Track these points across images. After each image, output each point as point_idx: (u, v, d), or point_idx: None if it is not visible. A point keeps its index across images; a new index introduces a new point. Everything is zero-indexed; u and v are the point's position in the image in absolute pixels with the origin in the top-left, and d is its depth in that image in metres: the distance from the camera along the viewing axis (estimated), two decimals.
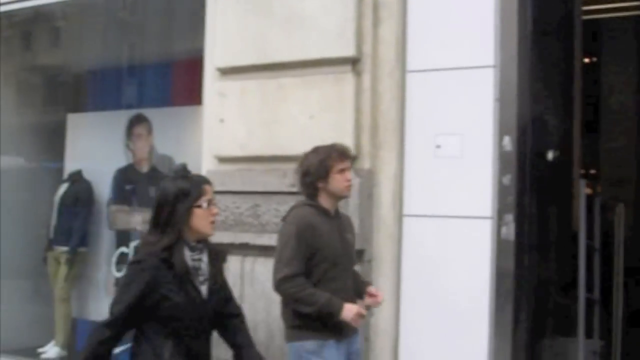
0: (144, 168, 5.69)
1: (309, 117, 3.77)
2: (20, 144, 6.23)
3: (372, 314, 3.59)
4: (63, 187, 5.82)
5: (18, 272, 6.05)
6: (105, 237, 5.83)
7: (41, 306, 6.01)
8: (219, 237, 3.83)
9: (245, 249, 3.86)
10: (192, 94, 5.40)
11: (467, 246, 3.50)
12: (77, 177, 5.81)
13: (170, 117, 5.51)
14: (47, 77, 6.46)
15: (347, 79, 3.71)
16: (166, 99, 5.81)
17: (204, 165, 4.16)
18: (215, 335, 2.94)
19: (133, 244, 5.10)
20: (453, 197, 3.56)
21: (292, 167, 3.75)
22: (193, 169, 5.12)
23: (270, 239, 3.73)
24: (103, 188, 5.85)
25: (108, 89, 6.09)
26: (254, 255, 3.84)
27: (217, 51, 4.12)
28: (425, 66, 3.67)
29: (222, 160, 4.04)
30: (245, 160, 3.97)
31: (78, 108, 6.27)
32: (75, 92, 6.36)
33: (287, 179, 3.76)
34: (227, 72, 4.07)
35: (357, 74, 3.71)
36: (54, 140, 6.24)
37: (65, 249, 5.64)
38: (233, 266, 3.85)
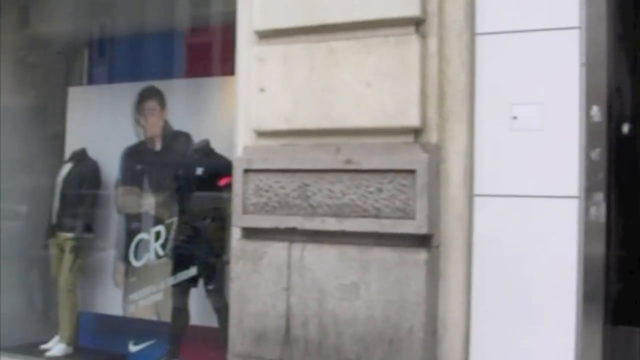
0: (157, 146, 5.35)
1: (366, 85, 3.47)
2: (18, 121, 5.85)
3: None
4: (66, 168, 5.50)
5: (17, 260, 5.70)
6: (113, 222, 5.50)
7: (42, 297, 5.68)
8: (260, 222, 3.59)
9: (292, 234, 3.57)
10: (212, 63, 5.12)
11: (549, 229, 3.24)
12: (81, 157, 5.51)
13: (188, 89, 5.19)
14: (45, 47, 6.06)
15: (411, 41, 3.42)
16: (180, 70, 5.48)
17: (240, 141, 3.85)
18: None
19: (154, 229, 4.77)
20: (532, 174, 3.29)
21: (346, 141, 3.49)
22: (220, 145, 4.89)
23: (323, 223, 3.46)
24: (110, 168, 5.55)
25: (114, 59, 5.73)
26: (302, 241, 3.56)
27: (255, 12, 3.80)
28: (498, 28, 3.39)
29: (263, 134, 3.73)
30: (290, 134, 3.66)
31: (80, 81, 5.89)
32: (76, 63, 5.97)
33: (340, 154, 3.48)
34: (268, 35, 3.76)
35: (422, 36, 3.41)
36: (53, 117, 5.88)
37: (70, 235, 5.35)
38: (278, 254, 3.57)
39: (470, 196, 3.39)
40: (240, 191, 3.67)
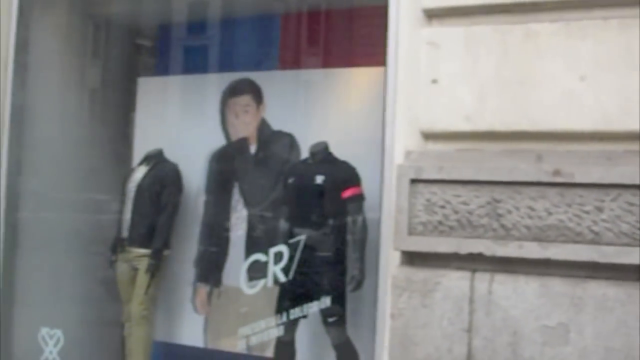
0: (252, 148, 4.86)
1: (578, 79, 3.01)
2: (73, 117, 5.34)
3: None
4: (140, 172, 5.01)
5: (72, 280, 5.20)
6: (192, 236, 5.00)
7: (104, 328, 5.17)
8: (432, 245, 3.10)
9: (475, 261, 3.10)
10: (325, 52, 4.66)
11: None
12: (158, 159, 5.00)
13: (293, 82, 4.71)
14: (111, 29, 5.56)
15: (637, 25, 2.93)
16: (281, 59, 4.99)
17: (399, 144, 3.38)
18: None
19: (275, 249, 4.24)
20: None
21: (549, 147, 3.01)
22: (338, 149, 4.39)
23: (520, 249, 2.98)
24: (189, 173, 5.02)
25: (196, 45, 5.23)
26: (489, 270, 3.08)
27: None
28: None
29: (434, 137, 3.26)
30: (472, 137, 3.20)
31: (152, 70, 5.40)
32: (148, 49, 5.47)
33: (544, 163, 2.99)
34: (442, 14, 3.30)
35: None
36: (117, 113, 5.39)
37: (146, 251, 4.82)
38: (456, 285, 3.08)
39: None
40: (404, 206, 3.19)
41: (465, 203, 3.12)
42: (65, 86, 5.20)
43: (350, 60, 4.79)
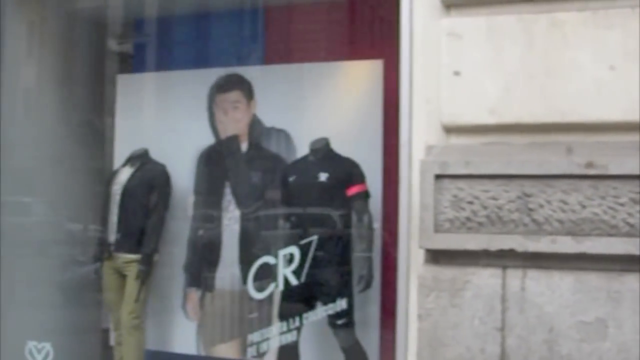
0: (243, 146, 4.75)
1: (608, 68, 3.01)
2: (51, 115, 5.15)
3: None
4: (125, 173, 4.87)
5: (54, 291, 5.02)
6: (182, 239, 4.87)
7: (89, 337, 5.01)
8: (460, 242, 3.06)
9: (506, 258, 3.06)
10: (321, 44, 4.59)
11: None
12: (145, 159, 4.84)
13: (284, 77, 4.61)
14: (88, 23, 5.36)
15: None
16: (263, 52, 4.89)
17: (417, 139, 3.33)
18: None
19: (285, 251, 4.14)
20: None
21: (579, 139, 3.00)
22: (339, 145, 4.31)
23: (553, 244, 2.95)
24: (176, 173, 4.89)
25: (180, 39, 5.09)
26: (521, 267, 3.05)
27: None
28: None
29: (458, 130, 3.22)
30: (497, 130, 3.17)
31: (131, 66, 5.24)
32: (128, 43, 5.31)
33: (575, 156, 2.98)
34: (463, 4, 3.28)
35: None
36: (94, 110, 5.22)
37: (135, 257, 4.68)
38: (487, 283, 3.04)
39: None
40: (430, 203, 3.14)
41: (494, 198, 3.08)
42: (39, 83, 5.00)
43: (346, 53, 4.72)
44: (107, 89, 5.24)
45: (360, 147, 4.40)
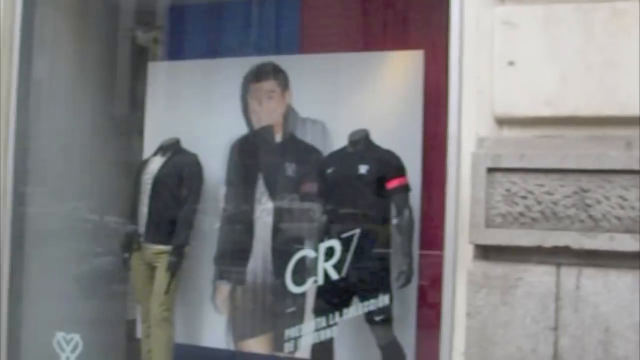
0: (277, 137, 4.68)
1: None
2: (76, 103, 5.09)
3: None
4: (156, 162, 4.82)
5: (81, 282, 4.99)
6: (212, 231, 4.82)
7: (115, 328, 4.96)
8: (513, 238, 2.99)
9: (560, 255, 3.00)
10: (359, 34, 4.53)
11: None
12: (176, 149, 4.79)
13: (322, 66, 4.54)
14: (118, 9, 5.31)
15: None
16: (298, 41, 4.82)
17: (467, 131, 3.26)
18: None
19: (325, 244, 4.07)
20: None
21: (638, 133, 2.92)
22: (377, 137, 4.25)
23: (611, 241, 2.88)
24: (207, 163, 4.83)
25: (211, 27, 5.03)
26: (577, 264, 2.99)
27: None
28: None
29: (511, 122, 3.15)
30: (553, 123, 3.10)
31: (164, 54, 5.19)
32: (159, 31, 5.26)
33: (634, 150, 2.91)
34: None
35: None
36: (124, 99, 5.17)
37: (165, 247, 4.62)
38: (540, 280, 2.98)
39: None
40: (481, 197, 3.08)
41: (549, 193, 3.02)
42: (72, 70, 4.95)
43: (384, 43, 4.64)
44: (135, 77, 5.18)
45: (399, 139, 4.32)
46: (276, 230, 4.66)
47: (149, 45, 5.37)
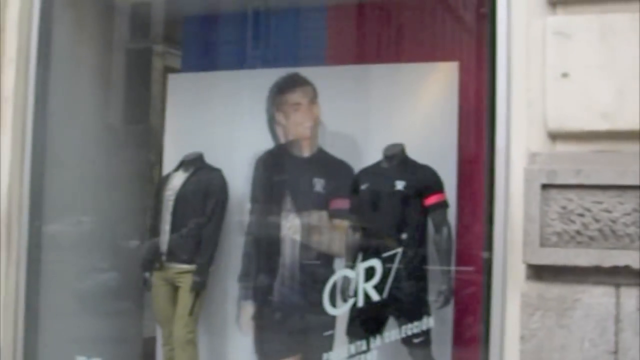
0: (305, 152, 4.59)
1: None
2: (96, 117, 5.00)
3: None
4: (178, 178, 4.73)
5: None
6: (237, 249, 4.72)
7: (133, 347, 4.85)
8: (570, 258, 2.90)
9: (621, 275, 2.90)
10: (394, 46, 4.46)
11: None
12: (199, 164, 4.70)
13: (353, 78, 4.45)
14: (135, 21, 5.24)
15: None
16: (324, 52, 4.74)
17: (517, 145, 3.16)
18: None
19: (364, 264, 3.97)
20: None
21: None
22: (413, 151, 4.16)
23: None
24: (231, 179, 4.74)
25: (234, 37, 4.95)
26: (636, 285, 2.89)
27: None
28: None
29: (566, 137, 3.07)
30: (610, 137, 3.02)
31: (184, 66, 5.10)
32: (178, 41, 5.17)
33: None
34: (571, 1, 3.09)
35: None
36: (142, 112, 5.08)
37: (189, 267, 4.52)
38: (599, 302, 2.88)
39: None
40: (535, 215, 2.99)
41: (607, 210, 2.93)
42: (88, 81, 4.86)
43: (415, 54, 4.56)
44: (154, 89, 5.10)
45: (433, 153, 4.24)
46: (304, 249, 4.55)
47: (163, 56, 5.28)
